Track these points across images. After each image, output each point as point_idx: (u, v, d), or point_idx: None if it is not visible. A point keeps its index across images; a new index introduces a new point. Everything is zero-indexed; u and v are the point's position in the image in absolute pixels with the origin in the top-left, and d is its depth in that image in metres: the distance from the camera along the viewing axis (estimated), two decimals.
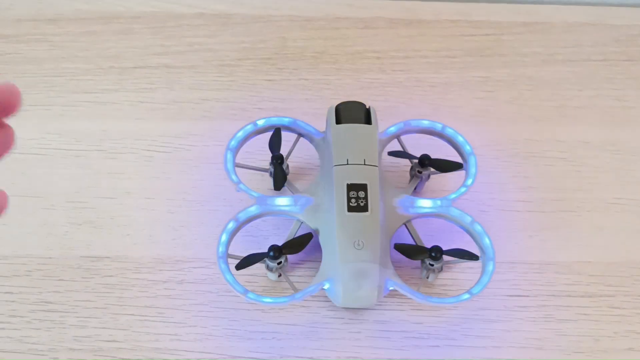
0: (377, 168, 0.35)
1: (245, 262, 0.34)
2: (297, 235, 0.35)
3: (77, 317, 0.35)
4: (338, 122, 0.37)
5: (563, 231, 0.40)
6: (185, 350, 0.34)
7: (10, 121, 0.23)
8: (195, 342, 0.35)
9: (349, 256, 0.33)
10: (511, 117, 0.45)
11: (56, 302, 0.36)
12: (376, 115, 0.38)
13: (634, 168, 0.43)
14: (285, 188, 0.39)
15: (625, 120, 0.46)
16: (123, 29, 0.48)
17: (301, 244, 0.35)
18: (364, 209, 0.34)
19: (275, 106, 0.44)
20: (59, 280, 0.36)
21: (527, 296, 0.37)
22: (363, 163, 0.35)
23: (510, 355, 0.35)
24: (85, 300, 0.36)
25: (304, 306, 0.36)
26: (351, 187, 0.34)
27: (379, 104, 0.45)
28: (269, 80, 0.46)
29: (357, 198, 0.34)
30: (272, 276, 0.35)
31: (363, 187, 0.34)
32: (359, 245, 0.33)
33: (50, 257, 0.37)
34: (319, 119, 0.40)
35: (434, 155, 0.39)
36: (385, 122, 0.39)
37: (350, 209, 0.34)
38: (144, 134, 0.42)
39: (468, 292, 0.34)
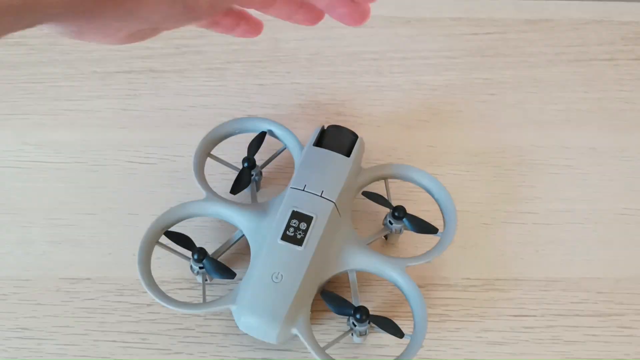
0: (332, 204, 0.32)
1: (177, 237, 0.33)
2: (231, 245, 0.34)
3: (56, 344, 0.33)
4: (318, 144, 0.35)
5: (570, 245, 0.38)
6: None
7: None
8: None
9: (261, 286, 0.30)
10: (515, 122, 0.43)
11: (33, 328, 0.34)
12: (361, 150, 0.35)
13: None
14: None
15: (635, 124, 0.44)
16: None
17: (220, 271, 0.32)
18: (299, 242, 0.31)
19: (267, 112, 0.42)
20: (37, 304, 0.34)
21: (534, 316, 0.35)
22: (319, 194, 0.32)
23: None
24: (64, 326, 0.34)
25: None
26: (295, 215, 0.32)
27: (377, 109, 0.43)
28: (260, 84, 0.44)
29: (297, 229, 0.31)
30: (198, 278, 0.34)
31: (307, 220, 0.31)
32: (277, 278, 0.30)
33: (27, 280, 0.35)
34: (313, 125, 0.38)
35: (412, 206, 0.36)
36: (382, 129, 0.37)
37: (285, 237, 0.31)
38: (127, 144, 0.40)
39: None
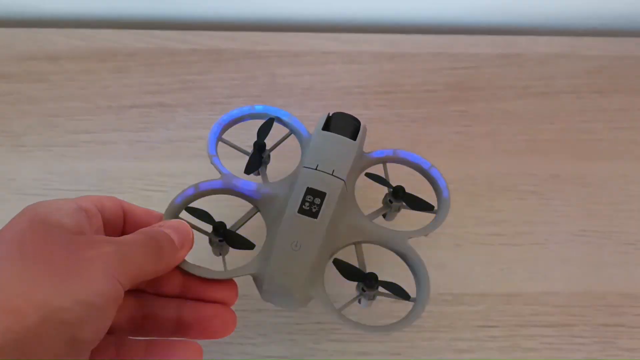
0: (342, 182, 0.35)
1: (198, 213, 0.35)
2: (247, 223, 0.36)
3: None
4: (326, 129, 0.38)
5: (532, 263, 0.43)
6: None
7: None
8: None
9: (283, 253, 0.33)
10: (487, 151, 0.48)
11: None
12: (365, 135, 0.39)
13: (600, 200, 0.46)
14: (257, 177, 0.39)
15: (594, 153, 0.49)
16: (119, 66, 0.51)
17: (239, 244, 0.35)
18: (314, 215, 0.34)
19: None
20: None
21: (497, 327, 0.41)
22: (331, 173, 0.35)
23: None
24: None
25: (292, 340, 0.39)
26: (309, 192, 0.35)
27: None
28: None
29: (312, 203, 0.34)
30: (214, 251, 0.36)
31: (321, 195, 0.34)
32: (296, 246, 0.33)
33: None
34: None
35: (410, 187, 0.39)
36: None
37: (301, 210, 0.34)
38: (142, 173, 0.45)
39: (390, 325, 0.34)
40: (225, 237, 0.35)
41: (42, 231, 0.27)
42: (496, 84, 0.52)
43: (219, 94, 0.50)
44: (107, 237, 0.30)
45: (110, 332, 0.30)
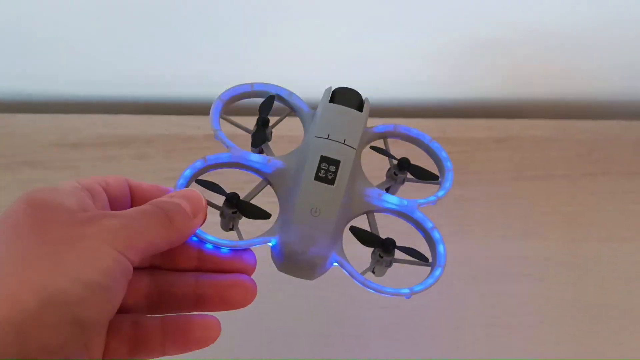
0: (354, 150, 0.36)
1: (209, 184, 0.35)
2: (258, 197, 0.36)
3: None
4: (331, 102, 0.38)
5: (522, 337, 0.46)
6: None
7: None
8: None
9: (303, 219, 0.33)
10: (483, 235, 0.51)
11: None
12: (368, 108, 0.38)
13: (592, 281, 0.49)
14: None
15: (584, 235, 0.52)
16: (139, 153, 0.54)
17: (255, 214, 0.34)
18: (331, 182, 0.34)
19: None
20: None
21: None
22: (342, 142, 0.36)
23: None
24: None
25: None
26: (324, 159, 0.35)
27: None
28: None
29: (327, 171, 0.35)
30: (224, 225, 0.35)
31: (335, 163, 0.35)
32: (316, 212, 0.34)
33: None
34: None
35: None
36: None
37: (318, 177, 0.34)
38: None
39: (409, 288, 0.34)
40: (238, 208, 0.34)
41: (39, 212, 0.26)
42: (491, 168, 0.55)
43: (236, 179, 0.52)
44: (111, 211, 0.29)
45: (126, 310, 0.30)
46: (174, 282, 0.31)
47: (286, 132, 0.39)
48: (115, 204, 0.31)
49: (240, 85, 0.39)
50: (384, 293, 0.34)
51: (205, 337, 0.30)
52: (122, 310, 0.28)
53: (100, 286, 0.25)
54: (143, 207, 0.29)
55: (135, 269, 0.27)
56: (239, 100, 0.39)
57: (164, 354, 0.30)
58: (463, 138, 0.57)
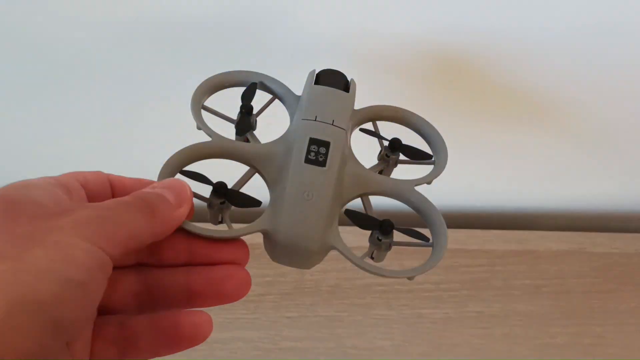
0: (344, 131, 0.34)
1: (193, 174, 0.32)
2: (246, 188, 0.34)
3: None
4: (316, 84, 0.37)
5: None
6: None
7: None
8: None
9: (295, 204, 0.32)
10: (504, 355, 0.51)
11: None
12: (355, 89, 0.37)
13: None
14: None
15: (605, 357, 0.52)
16: None
17: (244, 202, 0.32)
18: (322, 164, 0.33)
19: (294, 346, 0.50)
20: None
21: None
22: (331, 123, 0.34)
23: None
24: None
25: None
26: (313, 141, 0.33)
27: (386, 342, 0.51)
28: (289, 317, 0.52)
29: (317, 153, 0.33)
30: (212, 218, 0.33)
31: (325, 144, 0.33)
32: (308, 196, 0.32)
33: None
34: None
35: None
36: None
37: (308, 160, 0.33)
38: None
39: (411, 269, 0.32)
40: (227, 197, 0.32)
41: (6, 209, 0.24)
42: (510, 283, 0.56)
43: (252, 290, 0.52)
44: (85, 203, 0.27)
45: (114, 311, 0.28)
46: (163, 278, 0.29)
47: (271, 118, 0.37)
48: (94, 200, 0.28)
49: (221, 73, 0.37)
50: (384, 275, 0.32)
51: (197, 334, 0.28)
52: (110, 311, 0.26)
53: (73, 282, 0.23)
54: (123, 198, 0.27)
55: (121, 267, 0.25)
56: (220, 89, 0.37)
57: (155, 355, 0.28)
58: (482, 250, 0.57)
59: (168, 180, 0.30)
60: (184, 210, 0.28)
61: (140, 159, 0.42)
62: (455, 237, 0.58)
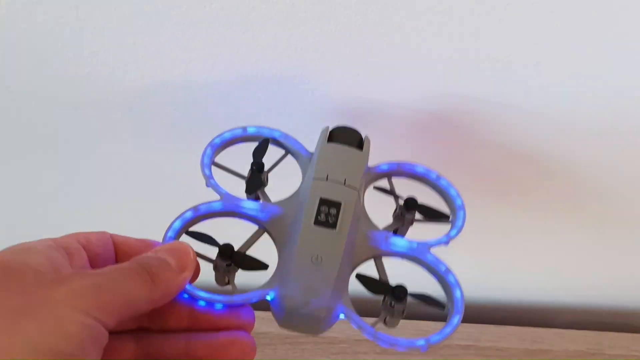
0: (356, 192, 0.33)
1: (199, 235, 0.31)
2: (253, 249, 0.33)
3: None
4: (330, 141, 0.36)
5: None
6: None
7: None
8: None
9: (303, 269, 0.31)
10: None
11: None
12: (369, 146, 0.36)
13: None
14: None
15: None
16: None
17: (251, 266, 0.31)
18: (332, 225, 0.32)
19: None
20: None
21: None
22: (343, 183, 0.34)
23: None
24: None
25: None
26: (324, 202, 0.32)
27: None
28: None
29: (328, 214, 0.32)
30: (219, 279, 0.32)
31: (336, 205, 0.32)
32: (317, 260, 0.31)
33: None
34: None
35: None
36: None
37: (318, 222, 0.32)
38: None
39: (425, 339, 0.31)
40: (233, 260, 0.31)
41: (2, 278, 0.24)
42: None
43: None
44: (84, 270, 0.26)
45: None
46: (163, 344, 0.28)
47: (284, 175, 0.36)
48: (97, 261, 0.28)
49: (233, 129, 0.37)
50: (397, 346, 0.30)
51: None
52: None
53: (63, 354, 0.22)
54: (122, 264, 0.26)
55: (120, 332, 0.25)
56: (231, 145, 0.37)
57: None
58: (495, 348, 0.56)
59: (171, 243, 0.29)
60: (186, 275, 0.28)
61: (147, 219, 0.41)
62: (468, 332, 0.56)
